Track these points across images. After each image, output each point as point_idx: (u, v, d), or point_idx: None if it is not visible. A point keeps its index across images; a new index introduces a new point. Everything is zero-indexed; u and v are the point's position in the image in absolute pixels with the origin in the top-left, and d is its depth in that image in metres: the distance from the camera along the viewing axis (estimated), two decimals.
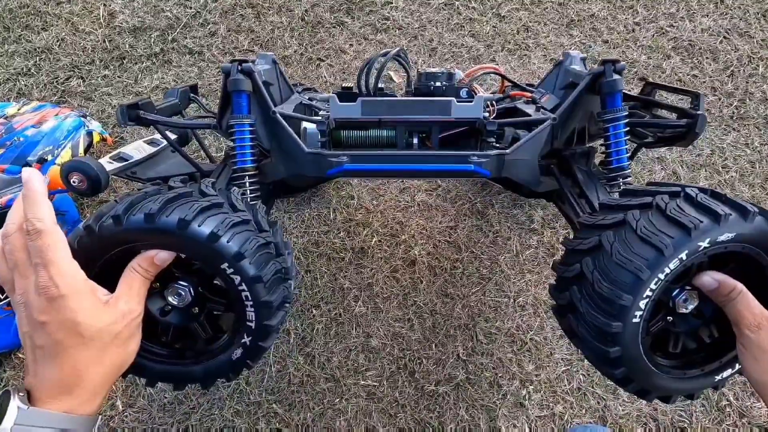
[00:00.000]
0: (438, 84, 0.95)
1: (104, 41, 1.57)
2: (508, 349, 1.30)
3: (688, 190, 0.63)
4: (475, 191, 1.41)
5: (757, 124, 1.43)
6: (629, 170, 0.85)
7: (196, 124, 1.00)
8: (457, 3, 1.56)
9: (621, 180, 0.85)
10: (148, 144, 1.14)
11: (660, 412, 1.23)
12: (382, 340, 1.31)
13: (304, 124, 0.91)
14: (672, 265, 0.58)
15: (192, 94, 1.10)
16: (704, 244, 0.57)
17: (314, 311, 1.34)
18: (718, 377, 0.68)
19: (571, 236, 0.74)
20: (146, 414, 1.25)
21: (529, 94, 1.04)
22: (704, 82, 1.47)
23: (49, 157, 1.34)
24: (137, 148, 1.08)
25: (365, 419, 1.25)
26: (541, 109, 0.95)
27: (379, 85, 0.96)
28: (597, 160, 1.00)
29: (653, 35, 1.51)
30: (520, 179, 0.87)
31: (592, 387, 1.26)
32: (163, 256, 0.63)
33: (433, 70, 0.96)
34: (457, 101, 0.86)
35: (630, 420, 1.23)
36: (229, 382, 1.26)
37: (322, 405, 1.26)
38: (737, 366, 0.68)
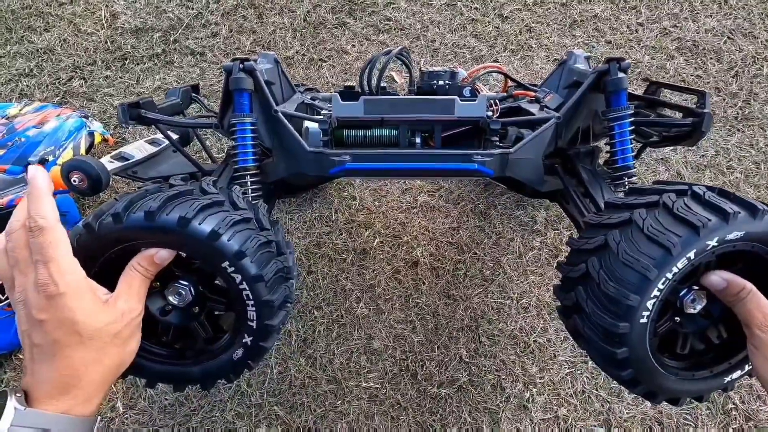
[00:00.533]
0: (441, 83, 0.94)
1: (106, 42, 1.57)
2: (511, 351, 1.29)
3: (695, 188, 0.62)
4: (478, 192, 1.41)
5: (762, 124, 1.43)
6: (635, 169, 0.85)
7: (198, 123, 0.99)
8: (459, 4, 1.55)
9: (626, 179, 0.84)
10: (149, 144, 1.13)
11: (665, 415, 1.22)
12: (384, 341, 1.30)
13: (306, 123, 0.91)
14: (680, 265, 0.57)
15: (194, 94, 1.09)
16: (713, 242, 0.57)
17: (316, 312, 1.33)
18: (727, 378, 0.67)
19: (576, 237, 0.73)
20: (147, 416, 1.25)
21: (532, 94, 1.03)
22: (708, 82, 1.46)
23: (51, 158, 1.34)
24: (138, 148, 1.08)
25: (367, 422, 1.24)
26: (545, 108, 0.94)
27: (382, 84, 0.96)
28: (601, 160, 0.99)
29: (657, 36, 1.51)
30: (523, 178, 0.86)
31: (597, 390, 1.24)
32: (163, 255, 0.62)
33: (436, 68, 0.95)
34: (461, 100, 0.86)
35: (635, 423, 1.22)
36: (229, 383, 1.25)
37: (324, 407, 1.25)
38: (747, 367, 0.67)
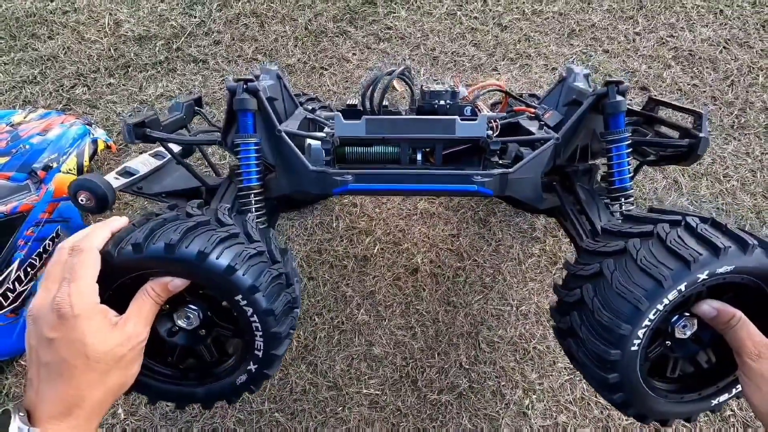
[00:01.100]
0: (442, 102, 0.96)
1: (110, 50, 1.58)
2: (511, 357, 1.31)
3: (689, 219, 0.64)
4: (477, 200, 1.42)
5: (758, 133, 1.44)
6: (631, 190, 0.86)
7: (202, 140, 1.00)
8: (459, 13, 1.57)
9: (623, 200, 0.86)
10: (153, 157, 1.14)
11: None
12: (384, 348, 1.32)
13: (309, 140, 0.92)
14: (671, 296, 0.59)
15: (197, 107, 1.10)
16: (703, 276, 0.59)
17: (317, 319, 1.35)
18: (715, 401, 0.70)
19: (572, 261, 0.75)
20: (148, 422, 1.26)
21: (532, 111, 1.04)
22: (704, 91, 1.48)
23: (54, 165, 1.35)
24: (143, 162, 1.09)
25: (367, 428, 1.26)
26: (545, 127, 0.96)
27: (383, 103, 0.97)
28: (600, 174, 1.00)
29: (654, 45, 1.52)
30: (523, 197, 0.88)
31: (596, 396, 1.26)
32: (177, 284, 0.64)
33: (437, 88, 0.96)
34: (461, 119, 0.87)
35: (634, 429, 1.24)
36: (230, 405, 1.27)
37: (325, 414, 1.27)
38: (734, 390, 0.69)
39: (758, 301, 0.64)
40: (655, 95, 1.40)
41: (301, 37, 1.57)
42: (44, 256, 1.29)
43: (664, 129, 0.96)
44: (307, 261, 1.39)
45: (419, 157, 0.91)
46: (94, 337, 0.56)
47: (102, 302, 0.59)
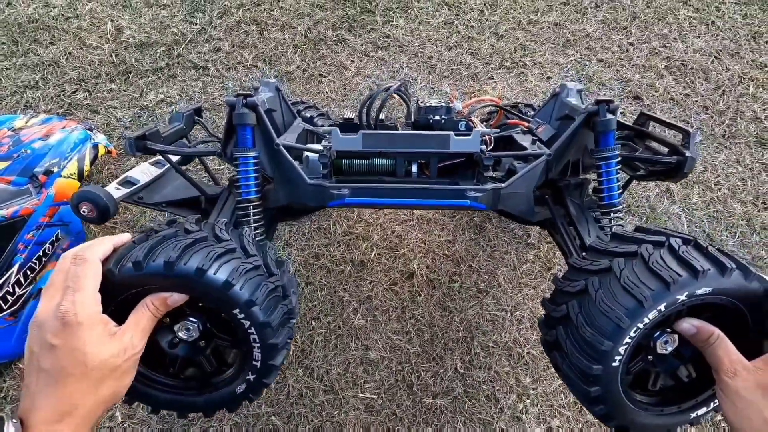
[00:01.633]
0: (437, 117, 0.98)
1: (111, 56, 1.60)
2: (506, 362, 1.33)
3: (671, 241, 0.66)
4: None
5: (748, 142, 1.47)
6: (620, 206, 0.89)
7: (202, 152, 1.02)
8: (456, 22, 1.59)
9: (612, 215, 0.88)
10: (153, 165, 1.16)
11: None
12: (380, 352, 1.34)
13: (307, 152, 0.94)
14: (651, 315, 0.61)
15: (197, 117, 1.12)
16: (682, 297, 0.61)
17: (314, 323, 1.37)
18: (694, 414, 0.72)
19: (560, 276, 0.77)
20: (145, 425, 1.28)
21: (526, 124, 1.06)
22: (696, 101, 1.50)
23: (55, 169, 1.36)
24: (143, 171, 1.11)
25: None
26: (537, 142, 0.98)
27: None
28: (591, 187, 1.02)
29: (647, 55, 1.54)
30: (515, 211, 0.90)
31: None
32: (176, 299, 0.66)
33: (433, 103, 0.98)
34: (456, 135, 0.89)
35: None
36: (230, 413, 1.29)
37: (321, 417, 1.29)
38: (712, 405, 0.71)
39: (736, 321, 0.67)
40: (648, 105, 1.42)
41: (301, 45, 1.59)
42: (44, 259, 1.31)
43: (654, 144, 0.98)
44: (305, 266, 1.41)
45: (415, 169, 0.93)
46: (94, 346, 0.58)
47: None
